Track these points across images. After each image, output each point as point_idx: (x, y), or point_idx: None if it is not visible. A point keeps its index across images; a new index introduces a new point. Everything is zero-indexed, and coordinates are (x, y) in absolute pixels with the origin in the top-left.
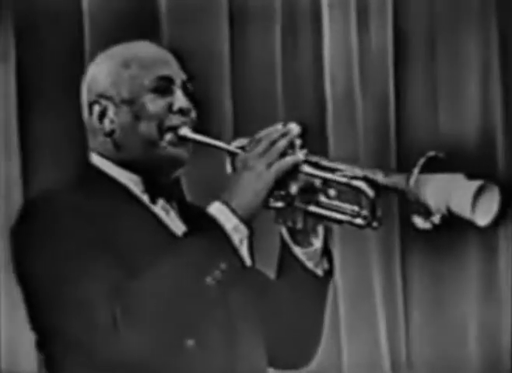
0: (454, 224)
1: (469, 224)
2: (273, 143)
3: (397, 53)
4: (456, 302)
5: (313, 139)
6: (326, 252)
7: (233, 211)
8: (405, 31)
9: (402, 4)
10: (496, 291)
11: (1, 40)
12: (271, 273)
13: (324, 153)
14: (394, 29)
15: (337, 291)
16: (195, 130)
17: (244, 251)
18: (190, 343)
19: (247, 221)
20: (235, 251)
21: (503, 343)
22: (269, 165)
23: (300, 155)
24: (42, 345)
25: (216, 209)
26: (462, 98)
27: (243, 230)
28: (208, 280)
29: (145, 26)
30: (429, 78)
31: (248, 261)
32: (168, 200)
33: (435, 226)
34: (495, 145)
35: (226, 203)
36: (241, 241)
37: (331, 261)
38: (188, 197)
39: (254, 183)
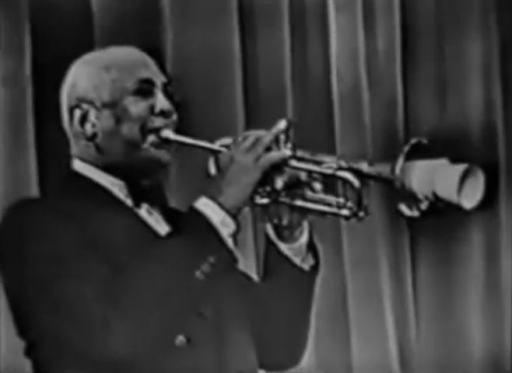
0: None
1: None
2: (259, 138)
3: (404, 52)
4: (464, 303)
5: (321, 138)
6: (311, 247)
7: (220, 205)
8: (412, 30)
9: (409, 3)
10: (499, 294)
11: (16, 35)
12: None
13: (332, 152)
14: (402, 28)
15: (346, 292)
16: (178, 131)
17: (233, 245)
18: (181, 339)
19: (235, 215)
20: (223, 244)
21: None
22: (256, 160)
23: (287, 150)
24: (31, 350)
25: (203, 203)
26: (469, 97)
27: (231, 224)
28: (198, 274)
29: (152, 26)
30: (436, 76)
31: (237, 254)
32: (151, 205)
33: (422, 213)
34: (497, 142)
35: (213, 198)
36: (229, 235)
37: (316, 256)
38: (172, 201)
39: (241, 177)
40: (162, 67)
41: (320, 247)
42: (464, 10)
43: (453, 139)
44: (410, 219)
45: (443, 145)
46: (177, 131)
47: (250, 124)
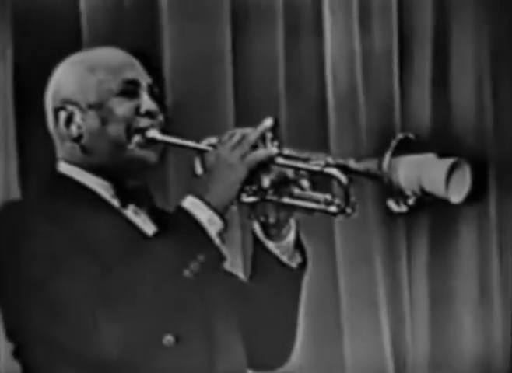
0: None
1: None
2: (245, 136)
3: (401, 53)
4: (459, 302)
5: (316, 139)
6: (298, 244)
7: (207, 204)
8: (409, 31)
9: (406, 3)
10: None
11: None
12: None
13: (326, 152)
14: (399, 29)
15: (339, 291)
16: (164, 131)
17: (220, 243)
18: (169, 339)
19: (222, 213)
20: (212, 243)
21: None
22: (242, 158)
23: (273, 148)
24: (20, 352)
25: (190, 202)
26: (462, 96)
27: (218, 222)
28: (186, 272)
29: (145, 26)
30: (432, 78)
31: (226, 253)
32: (138, 205)
33: (410, 208)
34: (488, 142)
35: (200, 197)
36: (217, 233)
37: (303, 254)
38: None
39: (228, 175)
40: (148, 68)
41: (312, 245)
42: (461, 11)
43: (445, 135)
44: (406, 217)
45: (435, 142)
46: (166, 132)
47: (241, 126)
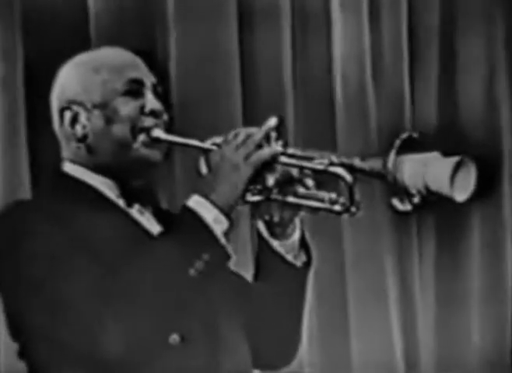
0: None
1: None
2: (249, 135)
3: (411, 50)
4: (471, 302)
5: (324, 138)
6: (303, 244)
7: (213, 203)
8: (417, 29)
9: (416, 2)
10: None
11: (8, 38)
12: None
13: (334, 151)
14: (409, 26)
15: (347, 292)
16: (169, 130)
17: (226, 242)
18: (174, 338)
19: (227, 212)
20: (217, 242)
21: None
22: (247, 157)
23: (278, 146)
24: (25, 352)
25: (195, 201)
26: (474, 93)
27: (224, 221)
28: (191, 271)
29: (152, 26)
30: (441, 76)
31: (231, 252)
32: (143, 205)
33: (415, 207)
34: (501, 135)
35: (205, 196)
36: (223, 232)
37: (308, 253)
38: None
39: (232, 174)
40: (152, 68)
41: (320, 244)
42: (470, 7)
43: (454, 133)
44: (416, 215)
45: (445, 140)
46: (171, 131)
47: (250, 125)
